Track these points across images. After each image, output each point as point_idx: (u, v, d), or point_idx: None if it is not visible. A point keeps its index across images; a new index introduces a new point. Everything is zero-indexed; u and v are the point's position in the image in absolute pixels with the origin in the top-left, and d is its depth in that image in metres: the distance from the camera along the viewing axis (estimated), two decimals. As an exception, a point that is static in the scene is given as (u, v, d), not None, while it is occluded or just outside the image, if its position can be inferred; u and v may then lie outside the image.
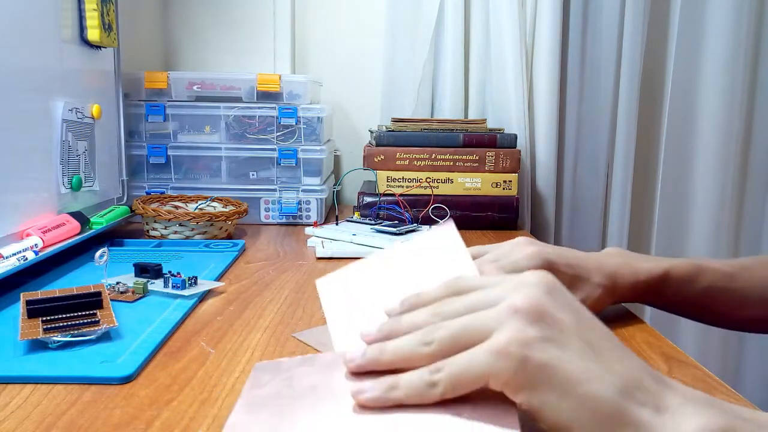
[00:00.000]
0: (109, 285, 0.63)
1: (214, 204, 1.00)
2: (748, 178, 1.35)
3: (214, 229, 0.91)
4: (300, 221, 1.07)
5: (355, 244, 0.87)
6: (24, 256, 0.65)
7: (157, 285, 0.64)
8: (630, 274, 0.58)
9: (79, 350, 0.49)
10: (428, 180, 1.05)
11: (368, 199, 1.04)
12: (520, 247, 0.56)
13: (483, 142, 1.07)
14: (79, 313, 0.53)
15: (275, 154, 1.06)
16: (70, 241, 0.75)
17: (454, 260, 0.42)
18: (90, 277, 0.70)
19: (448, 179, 1.06)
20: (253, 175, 1.07)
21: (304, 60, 1.36)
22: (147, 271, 0.67)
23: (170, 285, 0.64)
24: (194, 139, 1.06)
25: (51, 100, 0.76)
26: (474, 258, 0.56)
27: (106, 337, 0.51)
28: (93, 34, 0.84)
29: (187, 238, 0.90)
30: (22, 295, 0.56)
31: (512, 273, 0.55)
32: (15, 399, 0.42)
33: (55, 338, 0.49)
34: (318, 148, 1.06)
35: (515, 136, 1.08)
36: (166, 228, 0.90)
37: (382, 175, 1.05)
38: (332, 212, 1.17)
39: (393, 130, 1.09)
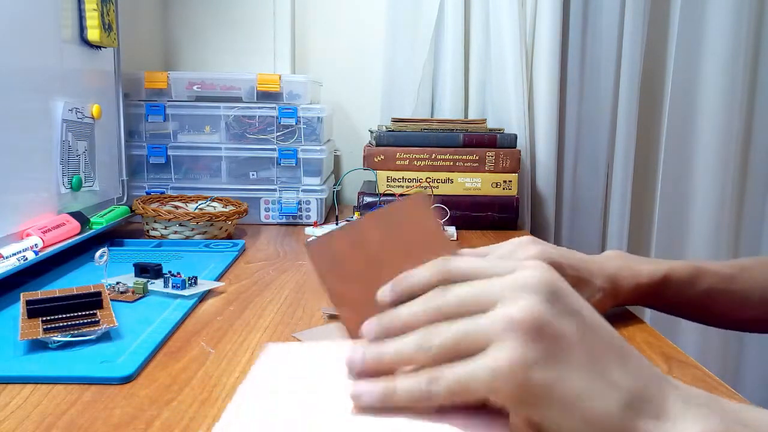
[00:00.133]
0: (109, 285, 0.63)
1: (214, 204, 1.00)
2: (748, 178, 1.35)
3: (214, 229, 0.91)
4: (300, 221, 1.07)
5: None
6: (24, 256, 0.65)
7: (157, 285, 0.64)
8: (631, 277, 0.58)
9: (79, 350, 0.49)
10: (428, 180, 1.05)
11: (368, 199, 1.04)
12: (524, 246, 0.56)
13: (483, 142, 1.07)
14: (79, 313, 0.53)
15: (275, 154, 1.06)
16: (70, 241, 0.75)
17: (430, 234, 0.41)
18: (90, 277, 0.70)
19: (448, 179, 1.06)
20: (253, 175, 1.07)
21: (304, 60, 1.36)
22: (147, 271, 0.67)
23: (170, 285, 0.64)
24: (194, 139, 1.06)
25: (51, 100, 0.76)
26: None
27: (106, 337, 0.51)
28: (93, 34, 0.84)
29: (187, 238, 0.90)
30: (22, 295, 0.56)
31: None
32: (15, 399, 0.42)
33: (55, 338, 0.49)
34: (318, 148, 1.06)
35: (515, 136, 1.08)
36: (166, 228, 0.90)
37: (382, 175, 1.05)
38: (332, 212, 1.17)
39: (393, 130, 1.09)
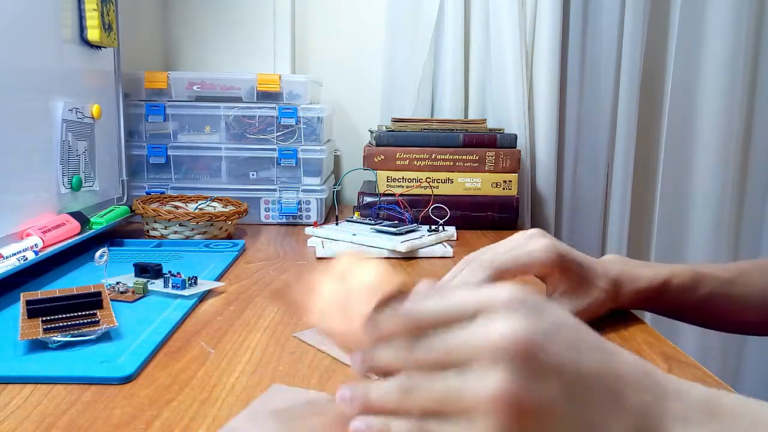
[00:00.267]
0: (109, 285, 0.63)
1: (214, 204, 1.00)
2: (748, 178, 1.35)
3: (214, 229, 0.91)
4: (300, 221, 1.07)
5: (355, 244, 0.87)
6: (24, 256, 0.65)
7: (157, 285, 0.64)
8: (631, 282, 0.58)
9: (79, 350, 0.49)
10: (428, 180, 1.05)
11: (368, 199, 1.04)
12: (535, 239, 0.56)
13: (483, 142, 1.07)
14: (79, 313, 0.53)
15: (275, 154, 1.06)
16: (70, 241, 0.75)
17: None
18: (90, 277, 0.70)
19: (448, 179, 1.06)
20: (253, 175, 1.07)
21: (304, 60, 1.36)
22: (147, 271, 0.67)
23: (170, 285, 0.64)
24: (194, 139, 1.06)
25: (51, 100, 0.76)
26: (487, 251, 0.56)
27: (106, 337, 0.51)
28: (93, 34, 0.84)
29: (187, 238, 0.90)
30: (22, 295, 0.56)
31: (501, 276, 0.54)
32: (15, 399, 0.42)
33: (55, 338, 0.49)
34: (318, 148, 1.06)
35: (515, 136, 1.08)
36: (166, 228, 0.90)
37: (382, 175, 1.05)
38: (332, 212, 1.17)
39: (393, 130, 1.09)
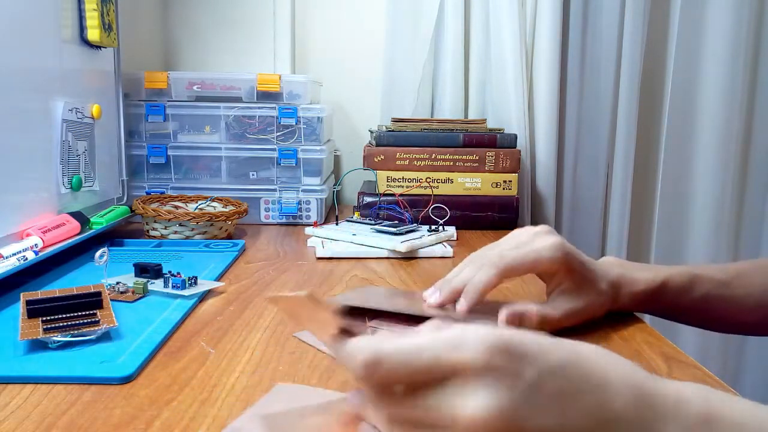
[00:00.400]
0: (109, 285, 0.63)
1: (214, 204, 1.00)
2: (748, 178, 1.35)
3: (214, 229, 0.91)
4: (300, 221, 1.07)
5: (355, 244, 0.87)
6: (24, 256, 0.65)
7: (157, 285, 0.64)
8: (629, 285, 0.58)
9: (79, 350, 0.49)
10: (428, 180, 1.05)
11: (368, 199, 1.04)
12: (542, 236, 0.56)
13: (483, 142, 1.07)
14: (79, 313, 0.53)
15: (275, 154, 1.06)
16: (70, 241, 0.75)
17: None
18: (90, 277, 0.70)
19: (448, 179, 1.06)
20: (253, 175, 1.07)
21: (304, 60, 1.36)
22: (147, 271, 0.67)
23: (170, 285, 0.64)
24: (194, 139, 1.06)
25: (51, 100, 0.76)
26: (494, 248, 0.56)
27: (106, 337, 0.51)
28: (93, 34, 0.84)
29: (187, 238, 0.90)
30: (22, 295, 0.56)
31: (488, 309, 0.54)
32: (15, 399, 0.42)
33: (55, 338, 0.49)
34: (318, 148, 1.06)
35: (515, 136, 1.08)
36: (166, 228, 0.90)
37: (382, 175, 1.05)
38: (332, 212, 1.17)
39: (393, 130, 1.09)
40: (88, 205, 0.85)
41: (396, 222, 0.96)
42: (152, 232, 0.91)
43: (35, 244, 0.68)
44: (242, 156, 1.06)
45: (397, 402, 0.31)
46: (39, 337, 0.49)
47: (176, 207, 0.97)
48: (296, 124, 1.06)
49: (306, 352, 0.51)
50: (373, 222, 0.95)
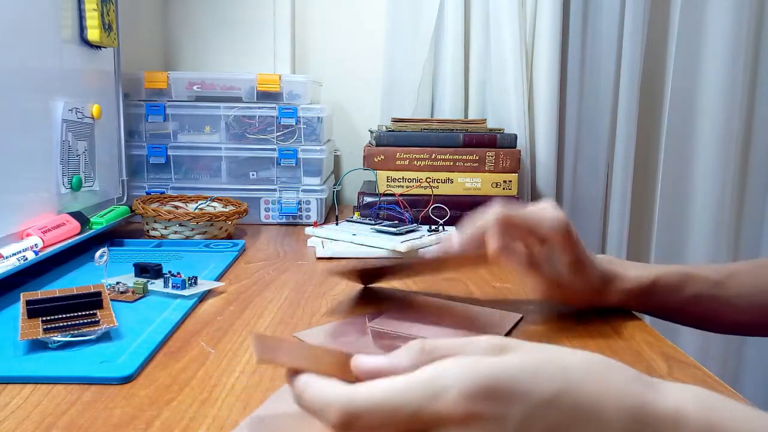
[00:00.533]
0: (109, 285, 0.63)
1: (214, 204, 1.00)
2: (748, 178, 1.35)
3: (214, 229, 0.91)
4: (300, 221, 1.07)
5: (355, 244, 0.87)
6: (24, 256, 0.65)
7: (157, 285, 0.64)
8: (619, 280, 0.59)
9: (79, 350, 0.49)
10: (428, 180, 1.05)
11: (368, 199, 1.04)
12: (548, 211, 0.56)
13: (483, 142, 1.06)
14: (79, 313, 0.53)
15: (275, 154, 1.06)
16: (70, 241, 0.75)
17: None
18: (90, 277, 0.70)
19: (448, 179, 1.06)
20: (253, 175, 1.07)
21: (304, 60, 1.36)
22: (147, 271, 0.67)
23: (170, 285, 0.64)
24: (194, 139, 1.06)
25: (51, 100, 0.76)
26: (496, 214, 0.55)
27: (106, 337, 0.51)
28: (93, 34, 0.84)
29: (187, 238, 0.90)
30: (22, 295, 0.56)
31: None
32: (15, 399, 0.42)
33: (55, 338, 0.49)
34: (318, 148, 1.06)
35: (515, 136, 1.08)
36: (166, 228, 0.90)
37: (382, 175, 1.05)
38: (332, 212, 1.17)
39: (393, 130, 1.09)
40: (88, 205, 0.85)
41: (396, 222, 0.96)
42: (152, 232, 0.91)
43: (35, 244, 0.68)
44: (242, 156, 1.06)
45: None
46: (39, 337, 0.49)
47: (176, 207, 0.97)
48: (296, 124, 1.06)
49: (306, 352, 0.51)
50: (373, 222, 0.95)
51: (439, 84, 1.27)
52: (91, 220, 0.82)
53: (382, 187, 1.05)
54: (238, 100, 1.07)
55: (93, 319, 0.52)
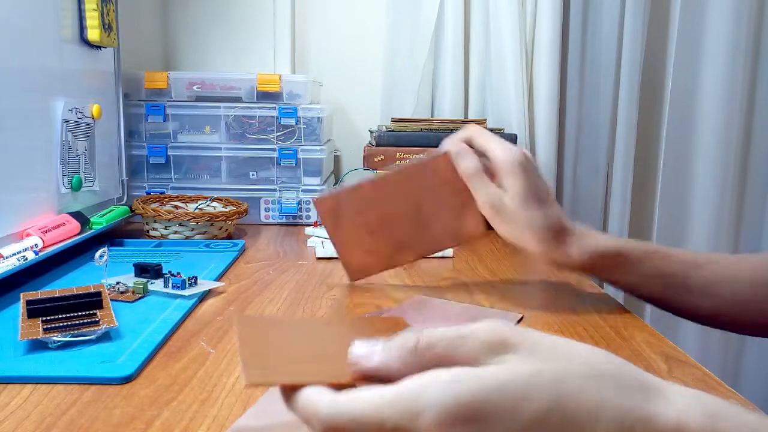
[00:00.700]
0: (109, 285, 0.63)
1: (214, 204, 1.00)
2: (748, 178, 1.35)
3: (214, 229, 0.91)
4: (300, 221, 1.07)
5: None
6: (24, 256, 0.65)
7: (157, 285, 0.64)
8: (584, 238, 0.60)
9: (79, 350, 0.49)
10: (428, 180, 1.05)
11: (368, 199, 1.04)
12: (507, 144, 0.61)
13: (483, 142, 1.06)
14: (79, 313, 0.53)
15: (275, 154, 1.06)
16: (70, 241, 0.75)
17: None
18: (90, 277, 0.70)
19: (448, 179, 1.05)
20: (253, 175, 1.07)
21: (304, 60, 1.36)
22: (147, 271, 0.67)
23: (170, 285, 0.64)
24: (194, 139, 1.06)
25: (51, 100, 0.76)
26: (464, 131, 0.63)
27: (106, 337, 0.51)
28: (93, 34, 0.84)
29: (187, 238, 0.90)
30: (22, 295, 0.56)
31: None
32: (15, 399, 0.42)
33: (55, 338, 0.49)
34: (318, 148, 1.06)
35: (515, 136, 1.08)
36: (166, 228, 0.90)
37: (382, 175, 1.05)
38: (332, 212, 1.17)
39: (393, 130, 1.09)
40: (88, 205, 0.85)
41: (396, 222, 0.95)
42: (152, 232, 0.91)
43: (35, 244, 0.68)
44: (242, 156, 1.06)
45: None
46: (39, 337, 0.49)
47: (176, 207, 0.97)
48: (296, 124, 1.06)
49: (306, 352, 0.51)
50: (373, 222, 0.95)
51: (439, 84, 1.27)
52: (91, 220, 0.82)
53: (382, 187, 1.04)
54: (238, 100, 1.07)
55: (93, 319, 0.52)
